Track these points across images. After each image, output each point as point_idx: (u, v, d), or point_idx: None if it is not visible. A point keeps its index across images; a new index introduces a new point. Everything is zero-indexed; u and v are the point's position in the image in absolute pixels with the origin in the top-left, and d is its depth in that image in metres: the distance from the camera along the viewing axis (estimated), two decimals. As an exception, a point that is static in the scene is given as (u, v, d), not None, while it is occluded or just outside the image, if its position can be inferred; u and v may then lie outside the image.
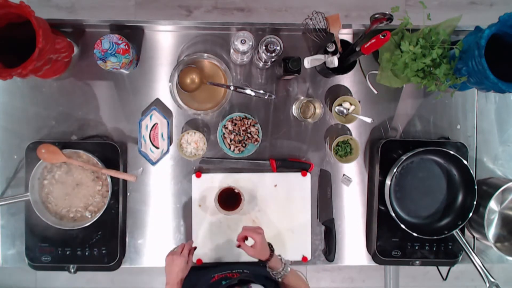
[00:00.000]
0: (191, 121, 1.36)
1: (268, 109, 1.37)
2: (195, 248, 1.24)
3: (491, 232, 1.37)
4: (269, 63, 1.28)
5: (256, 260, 1.13)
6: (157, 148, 1.32)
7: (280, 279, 1.11)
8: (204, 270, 1.23)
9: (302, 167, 1.36)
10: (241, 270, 1.19)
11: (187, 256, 1.12)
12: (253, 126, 1.33)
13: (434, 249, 1.35)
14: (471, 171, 1.28)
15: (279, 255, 1.15)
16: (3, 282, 2.32)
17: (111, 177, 1.26)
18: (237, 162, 1.36)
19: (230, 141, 1.32)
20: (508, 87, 1.08)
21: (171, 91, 1.28)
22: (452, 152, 1.26)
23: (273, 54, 1.20)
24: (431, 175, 1.35)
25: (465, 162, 1.28)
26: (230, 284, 1.04)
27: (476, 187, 1.28)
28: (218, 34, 1.35)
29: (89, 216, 1.28)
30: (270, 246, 1.14)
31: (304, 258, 1.37)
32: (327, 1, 2.32)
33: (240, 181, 1.36)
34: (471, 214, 1.28)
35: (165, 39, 1.35)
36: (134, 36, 1.33)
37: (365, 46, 1.06)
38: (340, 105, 1.33)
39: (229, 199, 1.26)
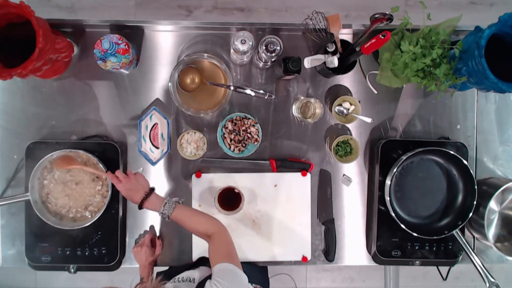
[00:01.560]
0: (191, 121, 1.36)
1: (268, 109, 1.37)
2: (159, 237, 1.37)
3: (491, 232, 1.36)
4: (269, 63, 1.28)
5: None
6: (157, 148, 1.32)
7: (167, 219, 1.10)
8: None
9: (302, 167, 1.36)
10: None
11: (148, 242, 1.30)
12: (253, 126, 1.32)
13: (434, 249, 1.35)
14: (471, 171, 1.28)
15: (173, 198, 1.14)
16: (3, 282, 2.32)
17: (111, 177, 1.26)
18: (237, 162, 1.36)
19: (230, 141, 1.32)
20: (508, 87, 1.08)
21: (171, 91, 1.28)
22: (452, 152, 1.26)
23: (273, 54, 1.20)
24: (431, 175, 1.35)
25: (465, 162, 1.28)
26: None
27: (476, 187, 1.28)
28: (218, 34, 1.35)
29: (89, 216, 1.28)
30: (150, 190, 1.11)
31: (304, 258, 1.37)
32: (327, 1, 2.32)
33: (240, 181, 1.36)
34: (471, 214, 1.28)
35: (165, 39, 1.35)
36: (134, 36, 1.33)
37: (365, 46, 1.06)
38: (340, 105, 1.33)
39: (229, 199, 1.26)
